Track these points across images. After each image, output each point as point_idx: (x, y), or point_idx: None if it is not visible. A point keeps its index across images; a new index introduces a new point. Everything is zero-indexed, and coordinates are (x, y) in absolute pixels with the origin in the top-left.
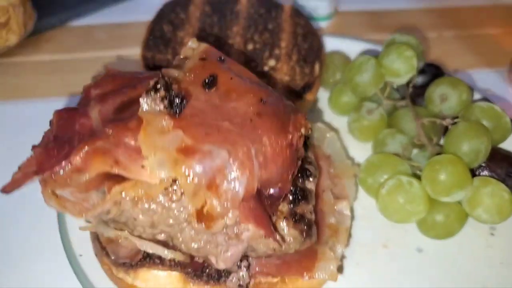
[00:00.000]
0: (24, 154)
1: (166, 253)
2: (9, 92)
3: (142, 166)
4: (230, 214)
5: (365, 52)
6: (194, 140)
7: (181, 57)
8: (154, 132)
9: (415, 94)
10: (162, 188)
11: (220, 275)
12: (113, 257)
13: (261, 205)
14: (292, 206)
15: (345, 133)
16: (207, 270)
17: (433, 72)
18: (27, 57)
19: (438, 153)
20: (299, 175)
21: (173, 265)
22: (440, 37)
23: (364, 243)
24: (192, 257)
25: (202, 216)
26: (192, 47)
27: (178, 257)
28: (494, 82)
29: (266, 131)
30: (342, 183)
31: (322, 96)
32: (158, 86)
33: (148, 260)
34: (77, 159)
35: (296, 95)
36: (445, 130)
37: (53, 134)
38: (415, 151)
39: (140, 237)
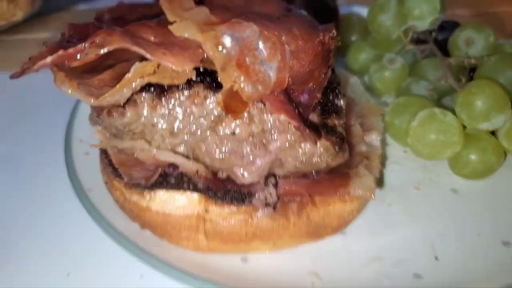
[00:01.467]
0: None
1: (188, 163)
2: (13, 65)
3: (164, 53)
4: (256, 117)
5: None
6: (221, 19)
7: None
8: (178, 8)
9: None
10: (186, 77)
11: (244, 196)
12: (126, 179)
13: (292, 103)
14: (323, 117)
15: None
16: (229, 193)
17: (452, 27)
18: (33, 35)
19: None
20: (329, 91)
21: (192, 188)
22: (454, 15)
23: (395, 186)
24: (214, 174)
25: (229, 105)
26: None
27: (201, 169)
28: None
29: (296, 25)
30: (369, 120)
31: (338, 60)
32: None
33: (165, 183)
34: (96, 39)
35: None
36: (472, 74)
37: (66, 39)
38: (444, 99)
39: (158, 148)
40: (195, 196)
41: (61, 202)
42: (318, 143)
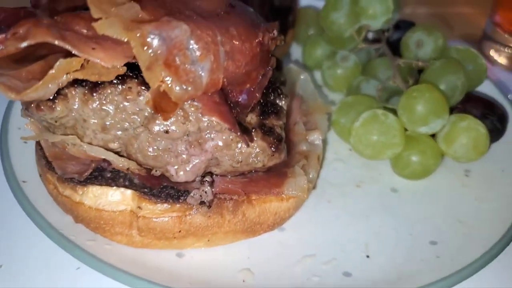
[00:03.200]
0: None
1: (120, 160)
2: None
3: (93, 48)
4: (192, 115)
5: None
6: (152, 17)
7: None
8: (106, 1)
9: (390, 49)
10: (115, 74)
11: (180, 194)
12: (59, 173)
13: (227, 104)
14: (261, 118)
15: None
16: (165, 190)
17: (407, 27)
18: None
19: None
20: (270, 91)
21: (127, 184)
22: (414, 14)
23: (336, 183)
24: (148, 171)
25: (159, 104)
26: None
27: (132, 166)
28: None
29: (234, 24)
30: (314, 118)
31: (295, 51)
32: None
33: (99, 178)
34: (17, 30)
35: None
36: (419, 75)
37: None
38: (387, 97)
39: (90, 144)
40: (128, 192)
41: None
42: (255, 143)
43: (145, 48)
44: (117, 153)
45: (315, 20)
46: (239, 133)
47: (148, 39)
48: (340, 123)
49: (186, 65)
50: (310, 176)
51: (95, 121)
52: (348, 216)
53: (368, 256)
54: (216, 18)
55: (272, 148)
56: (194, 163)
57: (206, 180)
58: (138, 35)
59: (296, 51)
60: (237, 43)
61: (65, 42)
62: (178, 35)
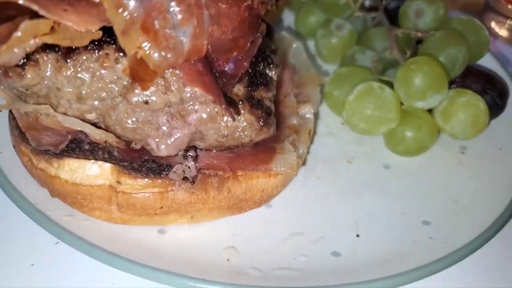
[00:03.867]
0: None
1: (96, 132)
2: None
3: (65, 10)
4: (174, 85)
5: None
6: None
7: None
8: None
9: (388, 18)
10: (89, 39)
11: (162, 169)
12: (33, 144)
13: (211, 73)
14: (249, 89)
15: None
16: (146, 164)
17: None
18: None
19: None
20: (260, 60)
21: (106, 158)
22: None
23: (326, 159)
24: (128, 144)
25: (136, 73)
26: None
27: (110, 138)
28: None
29: None
30: (306, 90)
31: (287, 17)
32: None
33: (77, 151)
34: None
35: None
36: (418, 47)
37: None
38: (383, 69)
39: (65, 114)
40: (107, 166)
41: None
42: (242, 117)
43: (120, 10)
44: (94, 124)
45: None
46: (224, 106)
47: (124, 0)
48: (333, 96)
49: (166, 30)
50: (300, 151)
51: (70, 90)
52: (338, 193)
53: (358, 236)
54: None
55: (261, 122)
56: (176, 136)
57: (190, 155)
58: None
59: (288, 17)
60: (224, 6)
61: (32, 2)
62: None
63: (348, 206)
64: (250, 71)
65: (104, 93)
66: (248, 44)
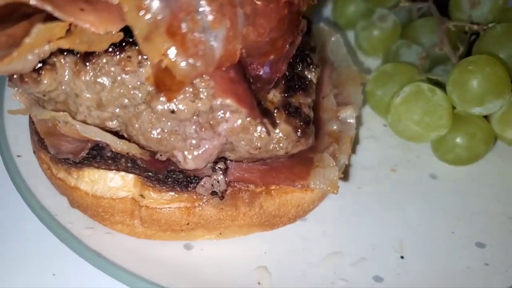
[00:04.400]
0: None
1: (118, 143)
2: None
3: (82, 9)
4: (203, 92)
5: None
6: None
7: None
8: None
9: (438, 7)
10: (108, 42)
11: (189, 181)
12: (52, 152)
13: (245, 81)
14: (286, 95)
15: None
16: (172, 175)
17: None
18: None
19: None
20: (298, 60)
21: (129, 167)
22: None
23: (368, 166)
24: (152, 154)
25: (162, 82)
26: None
27: (134, 150)
28: None
29: None
30: (347, 91)
31: (324, 6)
32: None
33: (98, 159)
34: None
35: None
36: (473, 42)
37: None
38: (431, 65)
39: (85, 122)
40: (130, 177)
41: None
42: (278, 127)
43: (142, 12)
44: (116, 132)
45: None
46: (259, 120)
47: (146, 1)
48: (376, 96)
49: (195, 33)
50: (341, 162)
51: (89, 96)
52: (381, 206)
53: (402, 257)
54: None
55: (298, 133)
56: (204, 148)
57: (219, 167)
58: None
59: (325, 5)
60: (260, 3)
61: (45, 2)
62: None
63: (391, 221)
64: (287, 74)
65: (126, 100)
66: (287, 46)
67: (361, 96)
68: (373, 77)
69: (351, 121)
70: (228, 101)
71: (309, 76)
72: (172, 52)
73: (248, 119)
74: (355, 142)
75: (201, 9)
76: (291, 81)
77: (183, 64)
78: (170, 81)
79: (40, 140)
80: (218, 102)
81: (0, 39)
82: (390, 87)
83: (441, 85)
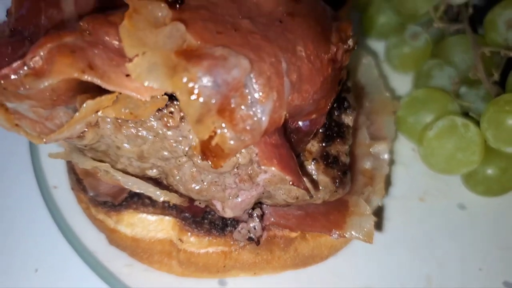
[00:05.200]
0: None
1: (158, 194)
2: None
3: (127, 75)
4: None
5: None
6: (201, 39)
7: None
8: (144, 23)
9: (470, 18)
10: (154, 108)
11: (226, 223)
12: (91, 194)
13: (287, 142)
14: (324, 145)
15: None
16: (209, 216)
17: None
18: None
19: (497, 94)
20: (335, 106)
21: (167, 208)
22: None
23: (397, 195)
24: (191, 200)
25: (209, 150)
26: None
27: (174, 200)
28: None
29: (302, 35)
30: (379, 120)
31: (353, 15)
32: None
33: (135, 199)
34: (36, 59)
35: None
36: (507, 67)
37: (10, 27)
38: (463, 88)
39: (125, 171)
40: (167, 219)
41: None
42: (319, 176)
43: (194, 97)
44: (156, 179)
45: None
46: (302, 186)
47: (198, 86)
48: (408, 123)
49: (243, 108)
50: (373, 204)
51: (131, 148)
52: (409, 239)
53: None
54: (278, 28)
55: (336, 183)
56: (243, 198)
57: (256, 214)
58: (184, 80)
59: (354, 14)
60: (306, 67)
61: (94, 74)
62: (237, 76)
63: (420, 255)
64: (325, 121)
65: (168, 153)
66: (330, 104)
67: (393, 127)
68: (405, 103)
69: (385, 157)
70: (273, 169)
71: (345, 121)
72: (221, 129)
73: None
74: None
75: (249, 84)
76: (328, 130)
77: (232, 142)
78: (217, 152)
79: (79, 180)
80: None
81: (45, 94)
82: (422, 115)
83: (477, 121)
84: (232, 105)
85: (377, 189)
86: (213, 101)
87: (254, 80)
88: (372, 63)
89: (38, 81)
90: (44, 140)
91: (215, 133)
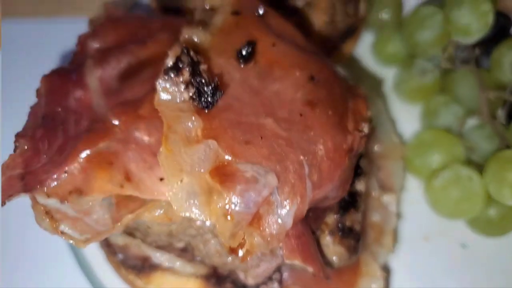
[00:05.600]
0: None
1: (187, 269)
2: None
3: (161, 179)
4: None
5: None
6: (233, 155)
7: (206, 6)
8: (179, 142)
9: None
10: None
11: (246, 285)
12: (121, 257)
13: (308, 229)
14: (339, 216)
15: (387, 90)
16: (233, 277)
17: (501, 23)
18: None
19: (501, 134)
20: None
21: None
22: None
23: (403, 234)
24: (215, 268)
25: (237, 250)
26: None
27: (200, 270)
28: None
29: (321, 132)
30: (387, 166)
31: (365, 38)
32: (181, 64)
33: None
34: (74, 169)
35: (334, 42)
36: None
37: (42, 113)
38: (469, 126)
39: (154, 244)
40: (194, 280)
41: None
42: (335, 247)
43: (228, 218)
44: (183, 248)
45: (392, 1)
46: (323, 275)
47: (232, 210)
48: (415, 164)
49: (270, 215)
50: (381, 260)
51: (161, 228)
52: (416, 281)
53: None
54: (300, 125)
55: (350, 252)
56: (264, 268)
57: (275, 278)
58: (219, 206)
59: (366, 38)
60: (325, 164)
61: (132, 186)
62: (266, 195)
63: None
64: None
65: (195, 231)
66: (348, 188)
67: (402, 174)
68: (412, 145)
69: (392, 209)
70: (296, 261)
71: (358, 188)
72: (250, 237)
73: None
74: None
75: (275, 193)
76: (342, 201)
77: (259, 247)
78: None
79: (109, 245)
80: None
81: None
82: (429, 157)
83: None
84: (261, 213)
85: (385, 242)
86: (244, 219)
87: (280, 190)
88: (381, 107)
89: (81, 199)
90: (85, 243)
91: (245, 240)
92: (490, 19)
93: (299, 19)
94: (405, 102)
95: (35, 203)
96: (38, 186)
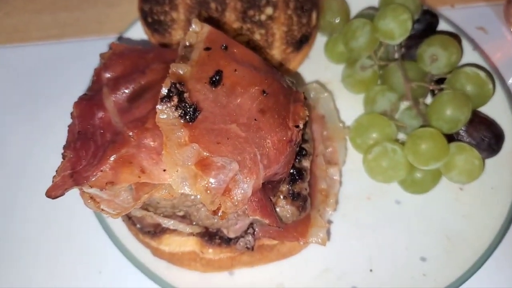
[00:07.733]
0: None
1: (187, 229)
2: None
3: (164, 170)
4: None
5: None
6: (209, 152)
7: (186, 44)
8: (174, 146)
9: (410, 45)
10: None
11: (230, 239)
12: (138, 226)
13: (265, 195)
14: (290, 186)
15: (338, 82)
16: (219, 235)
17: (428, 21)
18: None
19: (423, 114)
20: (296, 156)
21: (191, 233)
22: None
23: (350, 196)
24: (206, 228)
25: (216, 212)
26: (195, 30)
27: (196, 230)
28: (490, 17)
29: (269, 130)
30: (333, 146)
31: (319, 40)
32: (171, 94)
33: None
34: (106, 168)
35: (293, 47)
36: (432, 90)
37: (77, 130)
38: (402, 107)
39: (162, 214)
40: (193, 239)
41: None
42: (287, 208)
43: (208, 192)
44: (183, 216)
45: (340, 9)
46: (277, 225)
47: (210, 187)
48: (356, 142)
49: (236, 188)
50: (327, 216)
51: (166, 203)
52: (358, 230)
53: (371, 270)
54: (254, 127)
55: (300, 210)
56: (240, 224)
57: (249, 232)
58: (202, 185)
59: (320, 40)
60: (272, 153)
61: (145, 176)
62: (231, 174)
63: (365, 242)
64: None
65: (190, 203)
66: (290, 165)
67: (345, 151)
68: (353, 127)
69: (336, 178)
70: (257, 217)
71: (304, 165)
72: (224, 203)
73: None
74: (343, 169)
75: (238, 177)
76: (292, 175)
77: (231, 207)
78: (222, 214)
79: (129, 217)
80: None
81: (102, 180)
82: (366, 136)
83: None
84: (230, 187)
85: (330, 203)
86: (218, 192)
87: (241, 172)
88: (329, 97)
89: (114, 187)
90: (120, 215)
91: (221, 205)
92: (409, 25)
93: (264, 31)
94: (351, 93)
95: (82, 192)
96: (85, 181)
